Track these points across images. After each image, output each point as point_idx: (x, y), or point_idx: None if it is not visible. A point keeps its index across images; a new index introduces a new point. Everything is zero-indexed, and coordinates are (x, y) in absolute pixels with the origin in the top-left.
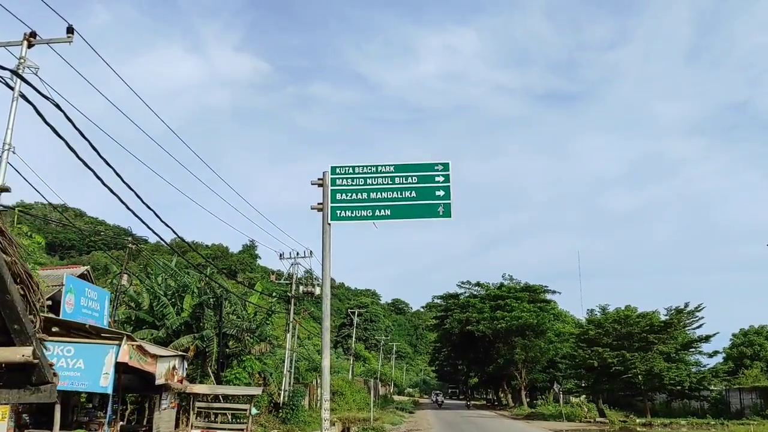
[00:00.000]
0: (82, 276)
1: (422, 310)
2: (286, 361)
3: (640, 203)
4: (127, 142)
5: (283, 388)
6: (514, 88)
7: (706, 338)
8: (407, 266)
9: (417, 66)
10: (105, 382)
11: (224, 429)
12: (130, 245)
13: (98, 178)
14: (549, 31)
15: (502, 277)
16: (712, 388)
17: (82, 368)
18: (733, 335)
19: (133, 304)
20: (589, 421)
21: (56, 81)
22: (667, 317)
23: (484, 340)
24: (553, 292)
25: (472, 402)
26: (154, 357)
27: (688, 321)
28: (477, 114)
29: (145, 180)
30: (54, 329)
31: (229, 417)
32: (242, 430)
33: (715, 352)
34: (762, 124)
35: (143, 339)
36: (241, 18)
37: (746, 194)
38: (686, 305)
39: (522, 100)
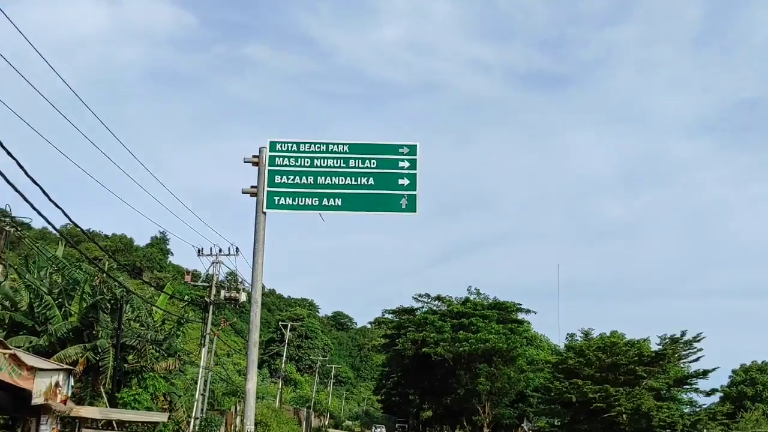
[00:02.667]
0: None
1: (369, 326)
2: (199, 382)
3: (634, 212)
4: (15, 106)
5: (194, 415)
6: (492, 64)
7: (704, 373)
8: (353, 273)
9: (378, 31)
10: None
11: None
12: (8, 228)
13: None
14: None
15: (468, 290)
16: None
17: None
18: (733, 371)
19: (7, 303)
20: None
21: None
22: (660, 347)
23: (443, 365)
24: (527, 311)
25: None
26: (32, 370)
27: (683, 353)
28: (447, 94)
29: (35, 152)
30: None
31: None
32: None
33: (713, 391)
34: None
35: (19, 347)
36: None
37: (756, 208)
38: (683, 334)
39: (501, 80)
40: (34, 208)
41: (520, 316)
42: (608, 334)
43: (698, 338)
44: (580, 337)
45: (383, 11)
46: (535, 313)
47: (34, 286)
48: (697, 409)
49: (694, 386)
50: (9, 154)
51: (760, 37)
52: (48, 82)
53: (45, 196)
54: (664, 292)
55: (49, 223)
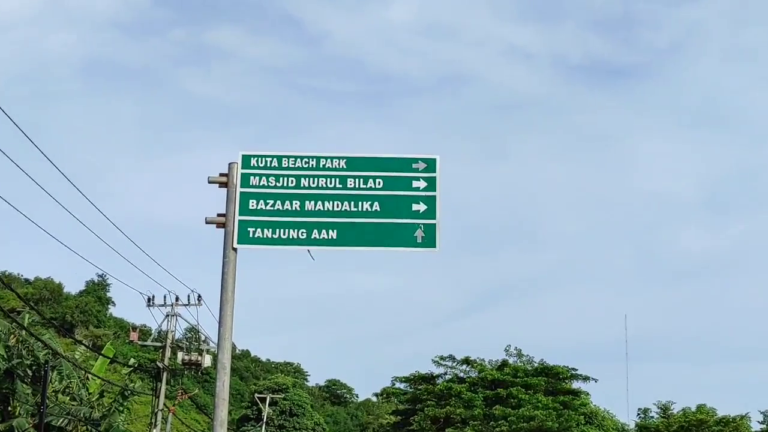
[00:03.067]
0: None
1: (375, 399)
2: None
3: (724, 245)
4: None
5: None
6: (535, 53)
7: None
8: (353, 328)
9: (384, 10)
10: None
11: None
12: None
13: None
14: None
15: (505, 351)
16: None
17: None
18: None
19: None
20: None
21: None
22: (764, 426)
23: None
24: (585, 378)
25: None
26: None
27: None
28: (475, 90)
29: None
30: None
31: None
32: None
33: None
34: None
35: None
36: None
37: None
38: None
39: (547, 72)
40: None
41: (576, 384)
42: (693, 409)
43: None
44: (657, 412)
45: None
46: (596, 381)
47: None
48: None
49: None
50: None
51: None
52: None
53: None
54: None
55: None
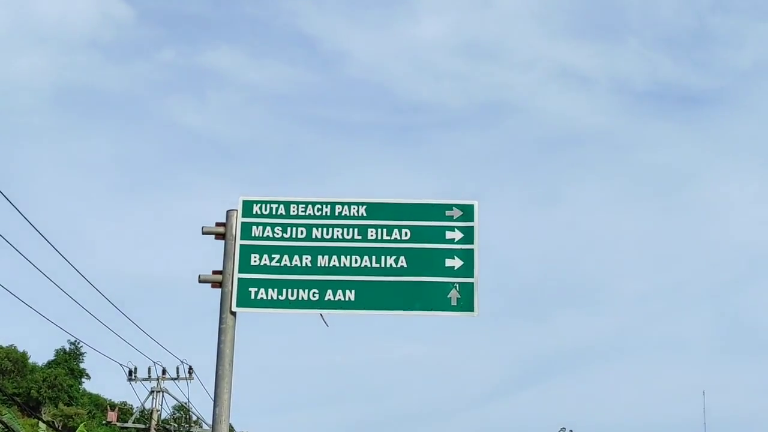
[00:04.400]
0: None
1: None
2: None
3: None
4: None
5: None
6: (593, 77)
7: None
8: (372, 407)
9: (413, 26)
10: None
11: None
12: None
13: None
14: None
15: None
16: None
17: None
18: None
19: None
20: None
21: None
22: None
23: None
24: None
25: None
26: None
27: None
28: (521, 123)
29: None
30: None
31: None
32: None
33: None
34: None
35: None
36: None
37: None
38: None
39: (608, 100)
40: None
41: None
42: None
43: None
44: None
45: None
46: None
47: None
48: None
49: None
50: None
51: None
52: None
53: None
54: None
55: None
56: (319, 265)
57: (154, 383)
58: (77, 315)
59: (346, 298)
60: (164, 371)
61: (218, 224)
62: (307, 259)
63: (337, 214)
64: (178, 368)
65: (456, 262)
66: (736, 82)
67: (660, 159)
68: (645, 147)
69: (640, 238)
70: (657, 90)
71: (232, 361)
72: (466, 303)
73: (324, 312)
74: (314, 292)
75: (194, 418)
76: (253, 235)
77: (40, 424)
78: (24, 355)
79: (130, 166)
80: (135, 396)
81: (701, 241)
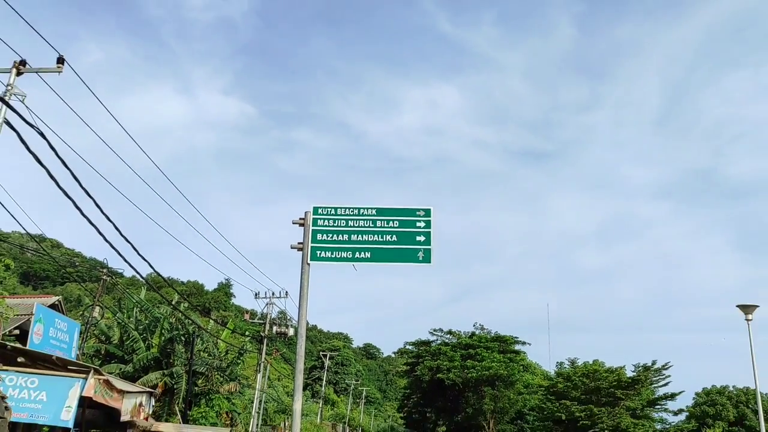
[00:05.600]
0: (53, 306)
1: (393, 355)
2: (255, 402)
3: (609, 262)
4: (111, 178)
5: (250, 429)
6: (491, 143)
7: (672, 396)
8: (380, 311)
9: (400, 117)
10: (67, 416)
11: None
12: (105, 277)
13: (77, 207)
14: (526, 92)
15: (474, 326)
16: None
17: (44, 401)
18: (696, 394)
19: (103, 338)
20: None
21: (44, 112)
22: (635, 374)
23: (454, 388)
24: (523, 343)
25: None
26: (121, 392)
27: (654, 378)
28: (456, 167)
29: (126, 216)
30: (20, 359)
31: None
32: None
33: (680, 410)
34: (726, 192)
35: (111, 373)
36: (231, 64)
37: (711, 258)
38: (653, 363)
39: (499, 155)
40: (126, 261)
41: (518, 347)
42: (591, 363)
43: (666, 366)
44: (568, 365)
45: (404, 102)
46: (530, 344)
47: (123, 323)
48: (667, 426)
49: (664, 407)
50: (108, 218)
51: (708, 120)
52: (138, 161)
53: (135, 251)
54: (637, 327)
55: (137, 272)
56: (351, 239)
57: (268, 300)
58: (230, 265)
59: (366, 256)
60: (273, 294)
61: (300, 219)
62: (345, 236)
63: (360, 213)
64: (280, 292)
65: (421, 238)
66: (565, 146)
67: (526, 186)
68: (518, 179)
69: (515, 225)
70: (524, 149)
71: (308, 289)
72: (426, 258)
73: (355, 263)
74: (349, 253)
75: (288, 317)
76: (318, 224)
77: (210, 320)
78: (202, 285)
79: (256, 189)
80: (258, 306)
81: (547, 228)
